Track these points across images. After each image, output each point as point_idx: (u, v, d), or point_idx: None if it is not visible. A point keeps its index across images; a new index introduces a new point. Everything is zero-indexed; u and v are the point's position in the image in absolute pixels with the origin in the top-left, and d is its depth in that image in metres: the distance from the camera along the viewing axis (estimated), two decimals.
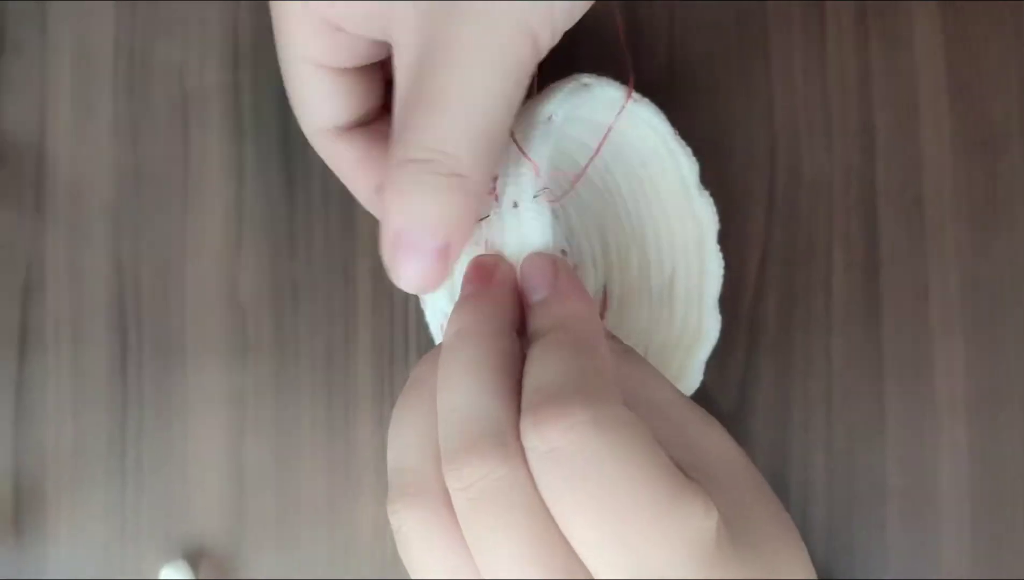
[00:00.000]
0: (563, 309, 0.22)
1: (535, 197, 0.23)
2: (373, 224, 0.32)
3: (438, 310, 0.27)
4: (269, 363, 0.32)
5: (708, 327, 0.28)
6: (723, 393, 0.31)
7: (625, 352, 0.23)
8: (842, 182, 0.31)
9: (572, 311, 0.22)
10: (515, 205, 0.23)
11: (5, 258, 0.33)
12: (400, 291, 0.29)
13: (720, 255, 0.28)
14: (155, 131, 0.33)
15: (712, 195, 0.30)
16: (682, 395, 0.23)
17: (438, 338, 0.28)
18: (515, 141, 0.24)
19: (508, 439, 0.20)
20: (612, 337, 0.23)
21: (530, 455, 0.19)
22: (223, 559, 0.32)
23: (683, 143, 0.27)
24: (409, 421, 0.22)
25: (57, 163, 0.33)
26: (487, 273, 0.23)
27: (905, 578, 0.30)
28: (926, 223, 0.31)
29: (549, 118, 0.24)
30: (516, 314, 0.23)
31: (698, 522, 0.19)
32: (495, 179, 0.24)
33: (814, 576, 0.23)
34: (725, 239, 0.31)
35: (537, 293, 0.22)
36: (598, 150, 0.26)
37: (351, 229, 0.32)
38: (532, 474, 0.20)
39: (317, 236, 0.32)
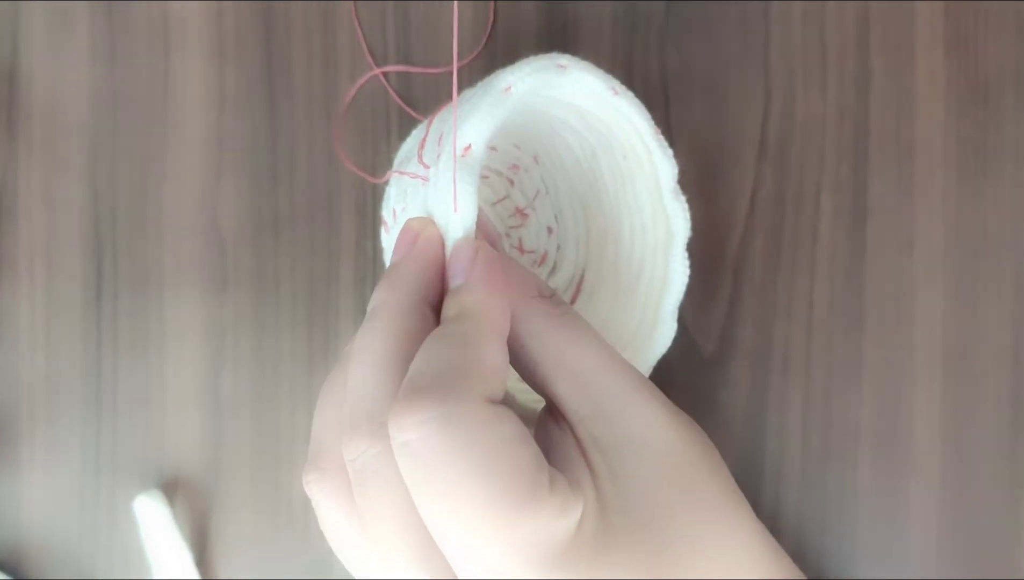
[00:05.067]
0: (468, 298, 0.22)
1: (463, 159, 0.23)
2: (356, 158, 0.32)
3: None
4: (249, 295, 0.32)
5: (661, 334, 0.28)
6: (705, 335, 0.31)
7: (560, 316, 0.23)
8: (835, 126, 0.31)
9: (475, 301, 0.22)
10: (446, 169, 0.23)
11: None
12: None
13: (687, 263, 0.27)
14: (134, 53, 0.32)
15: (705, 136, 0.30)
16: (617, 363, 0.23)
17: None
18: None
19: (384, 421, 0.21)
20: (552, 297, 0.24)
21: (392, 443, 0.20)
22: (199, 491, 0.32)
23: (664, 143, 0.27)
24: (330, 398, 0.23)
25: (31, 84, 0.32)
26: (411, 237, 0.24)
27: (875, 517, 0.31)
28: (916, 171, 0.31)
29: (507, 89, 0.23)
30: (435, 286, 0.23)
31: (547, 523, 0.20)
32: (439, 139, 0.24)
33: (745, 564, 0.23)
34: (716, 179, 0.31)
35: (455, 279, 0.23)
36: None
37: (335, 161, 0.32)
38: None
39: (300, 167, 0.32)
